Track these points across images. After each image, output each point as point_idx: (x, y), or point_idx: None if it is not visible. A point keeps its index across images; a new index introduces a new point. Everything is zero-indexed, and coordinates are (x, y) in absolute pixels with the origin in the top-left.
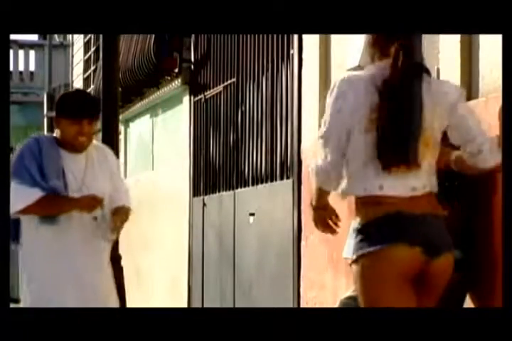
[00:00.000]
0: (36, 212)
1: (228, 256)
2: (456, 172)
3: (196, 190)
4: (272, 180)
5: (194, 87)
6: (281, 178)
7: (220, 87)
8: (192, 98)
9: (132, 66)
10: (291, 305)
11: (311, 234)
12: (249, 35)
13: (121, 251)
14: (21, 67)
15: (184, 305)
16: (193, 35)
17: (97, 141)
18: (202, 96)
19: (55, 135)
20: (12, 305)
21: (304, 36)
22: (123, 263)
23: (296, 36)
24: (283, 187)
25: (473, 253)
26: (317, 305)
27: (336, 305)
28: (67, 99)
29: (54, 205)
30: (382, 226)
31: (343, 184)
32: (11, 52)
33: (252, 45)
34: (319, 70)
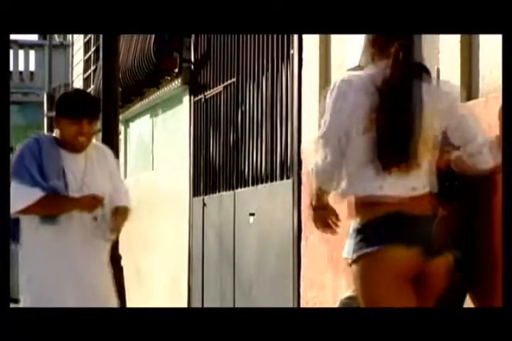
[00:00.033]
0: (37, 212)
1: (228, 256)
2: (456, 172)
3: (196, 190)
4: (272, 180)
5: (194, 87)
6: (281, 178)
7: (220, 87)
8: (192, 98)
9: (132, 66)
10: (291, 305)
11: (311, 234)
12: (249, 35)
13: (121, 251)
14: (21, 67)
15: (184, 305)
16: (193, 35)
17: (96, 141)
18: (202, 96)
19: (54, 135)
20: (12, 305)
21: (304, 36)
22: (123, 263)
23: (296, 36)
24: (283, 187)
25: (473, 253)
26: (317, 305)
27: (336, 305)
28: (67, 98)
29: (54, 205)
30: (381, 227)
31: (343, 184)
32: (11, 52)
33: (252, 45)
34: (319, 70)
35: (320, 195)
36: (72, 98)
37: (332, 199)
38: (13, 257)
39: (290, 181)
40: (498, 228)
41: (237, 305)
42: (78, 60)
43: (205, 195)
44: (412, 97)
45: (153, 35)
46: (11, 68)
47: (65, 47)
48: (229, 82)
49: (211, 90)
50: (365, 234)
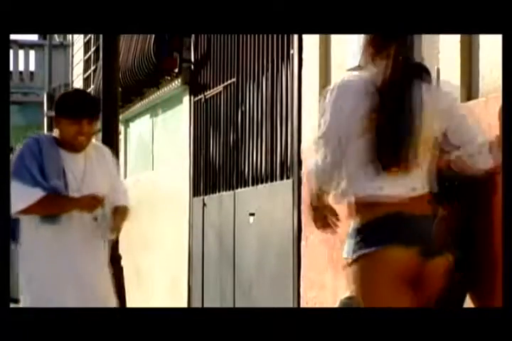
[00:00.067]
0: (37, 212)
1: (228, 256)
2: (456, 172)
3: (196, 190)
4: (272, 180)
5: (194, 87)
6: (281, 178)
7: (220, 87)
8: (192, 98)
9: (132, 66)
10: (291, 305)
11: (311, 234)
12: (249, 35)
13: (121, 251)
14: (21, 67)
15: (184, 305)
16: (193, 35)
17: (95, 141)
18: (202, 96)
19: (54, 135)
20: (12, 305)
21: (304, 36)
22: (123, 263)
23: (296, 36)
24: (283, 187)
25: (473, 253)
26: (317, 305)
27: (336, 305)
28: (66, 98)
29: (55, 205)
30: (381, 227)
31: (343, 184)
32: (11, 52)
33: (252, 45)
34: (319, 70)
35: (320, 195)
36: (72, 98)
37: (332, 199)
38: (12, 257)
39: (290, 181)
40: (498, 228)
41: (237, 305)
42: (78, 60)
43: (205, 195)
44: (411, 98)
45: (153, 35)
46: (11, 68)
47: (65, 47)
48: (229, 82)
49: (211, 90)
50: (365, 235)
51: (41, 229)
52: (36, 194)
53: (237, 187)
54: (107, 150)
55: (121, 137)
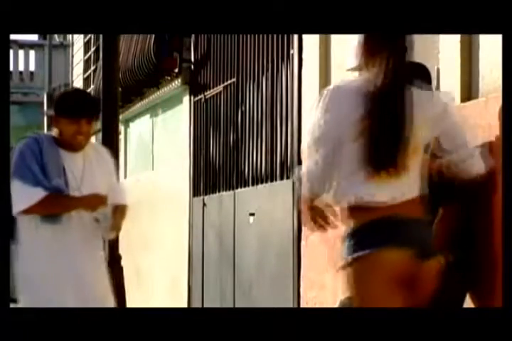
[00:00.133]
0: (39, 212)
1: (228, 256)
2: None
3: (196, 190)
4: (272, 180)
5: (194, 87)
6: (281, 178)
7: (220, 87)
8: (192, 98)
9: (132, 66)
10: (291, 305)
11: (311, 234)
12: (249, 35)
13: (121, 251)
14: (21, 67)
15: (184, 305)
16: (193, 35)
17: (93, 140)
18: (202, 96)
19: (53, 134)
20: (12, 305)
21: (304, 36)
22: (123, 263)
23: (296, 36)
24: (283, 187)
25: (473, 253)
26: (317, 305)
27: (336, 305)
28: (65, 98)
29: (58, 205)
30: (374, 231)
31: (335, 190)
32: (11, 52)
33: (252, 45)
34: (319, 70)
35: (312, 198)
36: (71, 97)
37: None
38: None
39: (290, 181)
40: (498, 228)
41: (237, 305)
42: (78, 60)
43: (205, 195)
44: (404, 103)
45: (153, 35)
46: (11, 68)
47: (65, 47)
48: (229, 82)
49: (211, 90)
50: (359, 238)
51: (41, 229)
52: (38, 194)
53: (237, 187)
54: (104, 150)
55: (121, 137)
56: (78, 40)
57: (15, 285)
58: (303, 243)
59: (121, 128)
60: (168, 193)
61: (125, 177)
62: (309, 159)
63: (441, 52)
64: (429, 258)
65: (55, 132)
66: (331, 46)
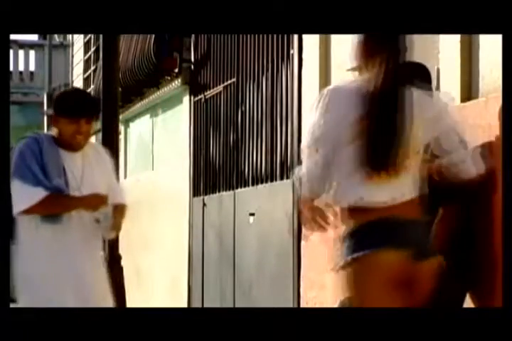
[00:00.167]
0: (40, 212)
1: (228, 256)
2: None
3: (196, 190)
4: (272, 180)
5: (194, 87)
6: (281, 178)
7: (220, 87)
8: (192, 98)
9: (132, 66)
10: (291, 305)
11: (311, 234)
12: (249, 35)
13: (121, 251)
14: (21, 67)
15: (184, 305)
16: (193, 35)
17: (92, 140)
18: (202, 96)
19: (52, 133)
20: (11, 305)
21: (304, 36)
22: (123, 263)
23: (296, 36)
24: (283, 187)
25: (473, 253)
26: (317, 305)
27: (336, 305)
28: (65, 97)
29: (58, 204)
30: (372, 232)
31: (333, 191)
32: (11, 52)
33: (252, 45)
34: (319, 70)
35: (313, 198)
36: (70, 97)
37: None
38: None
39: (290, 181)
40: (498, 228)
41: (237, 305)
42: (78, 60)
43: (205, 195)
44: (401, 105)
45: (153, 35)
46: (11, 68)
47: (65, 47)
48: (229, 82)
49: (211, 90)
50: (356, 239)
51: (41, 229)
52: (39, 194)
53: (237, 187)
54: (102, 150)
55: (121, 137)
56: (78, 40)
57: (14, 285)
58: (303, 243)
59: (121, 128)
60: (168, 193)
61: (125, 177)
62: (309, 159)
63: (441, 52)
64: (427, 259)
65: (54, 132)
66: (331, 46)
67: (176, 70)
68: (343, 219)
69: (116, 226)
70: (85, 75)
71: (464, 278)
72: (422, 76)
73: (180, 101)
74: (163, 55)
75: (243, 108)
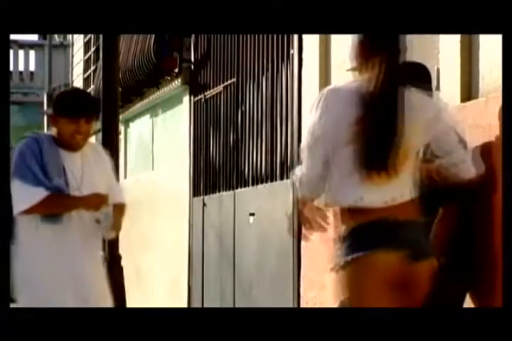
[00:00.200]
0: (41, 212)
1: (228, 256)
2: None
3: (196, 190)
4: (271, 180)
5: (194, 87)
6: (281, 178)
7: (220, 87)
8: (192, 98)
9: (132, 66)
10: (291, 305)
11: (311, 234)
12: (249, 35)
13: (121, 251)
14: (21, 67)
15: (184, 305)
16: (193, 35)
17: (90, 140)
18: (202, 96)
19: (51, 133)
20: (11, 305)
21: (304, 36)
22: (123, 263)
23: (296, 36)
24: (283, 187)
25: (473, 253)
26: (317, 305)
27: (336, 305)
28: (64, 97)
29: (59, 204)
30: (368, 233)
31: (329, 193)
32: (11, 52)
33: (252, 45)
34: (319, 70)
35: (312, 199)
36: (70, 97)
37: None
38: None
39: (290, 181)
40: (498, 228)
41: (237, 305)
42: (78, 60)
43: (205, 195)
44: (398, 106)
45: (153, 35)
46: (11, 68)
47: (65, 47)
48: (229, 82)
49: (211, 90)
50: (353, 240)
51: (41, 229)
52: (39, 193)
53: (237, 187)
54: (101, 149)
55: (121, 137)
56: (78, 40)
57: (14, 285)
58: (303, 243)
59: (121, 128)
60: (168, 193)
61: (125, 177)
62: (308, 159)
63: (441, 52)
64: (424, 260)
65: (53, 131)
66: (331, 46)
67: (176, 70)
68: (343, 219)
69: (116, 226)
70: (85, 75)
71: (464, 278)
72: (422, 76)
73: (180, 101)
74: (163, 55)
75: (243, 108)
